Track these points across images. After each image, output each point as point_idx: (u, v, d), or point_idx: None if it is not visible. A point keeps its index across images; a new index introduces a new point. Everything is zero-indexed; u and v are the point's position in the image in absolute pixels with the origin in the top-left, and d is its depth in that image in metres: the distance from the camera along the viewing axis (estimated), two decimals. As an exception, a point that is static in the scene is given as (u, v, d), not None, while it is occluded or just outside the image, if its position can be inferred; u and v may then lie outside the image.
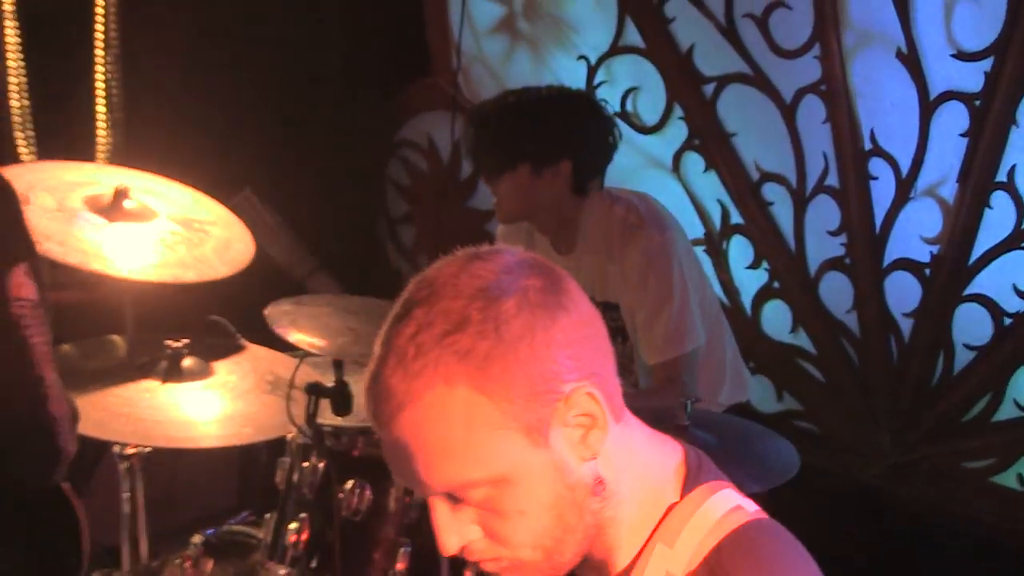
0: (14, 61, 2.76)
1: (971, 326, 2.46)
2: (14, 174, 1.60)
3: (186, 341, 1.87)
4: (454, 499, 0.89)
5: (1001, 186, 2.37)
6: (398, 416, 0.84)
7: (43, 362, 1.55)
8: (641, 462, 0.95)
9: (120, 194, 1.82)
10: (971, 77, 2.37)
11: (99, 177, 1.96)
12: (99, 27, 2.91)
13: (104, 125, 2.89)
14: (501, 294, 0.86)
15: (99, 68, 2.92)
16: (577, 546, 0.93)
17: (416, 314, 0.85)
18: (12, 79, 2.75)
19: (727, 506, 0.95)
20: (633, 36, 3.00)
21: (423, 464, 0.86)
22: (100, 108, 2.89)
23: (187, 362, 1.88)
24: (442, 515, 0.90)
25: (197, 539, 1.82)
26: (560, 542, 0.91)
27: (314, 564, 1.78)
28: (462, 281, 0.87)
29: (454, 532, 0.90)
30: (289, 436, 1.81)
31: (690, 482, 0.95)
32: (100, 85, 2.90)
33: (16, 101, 2.74)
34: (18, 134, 2.72)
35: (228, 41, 3.17)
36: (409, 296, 0.88)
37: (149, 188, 1.95)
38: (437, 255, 0.91)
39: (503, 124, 2.12)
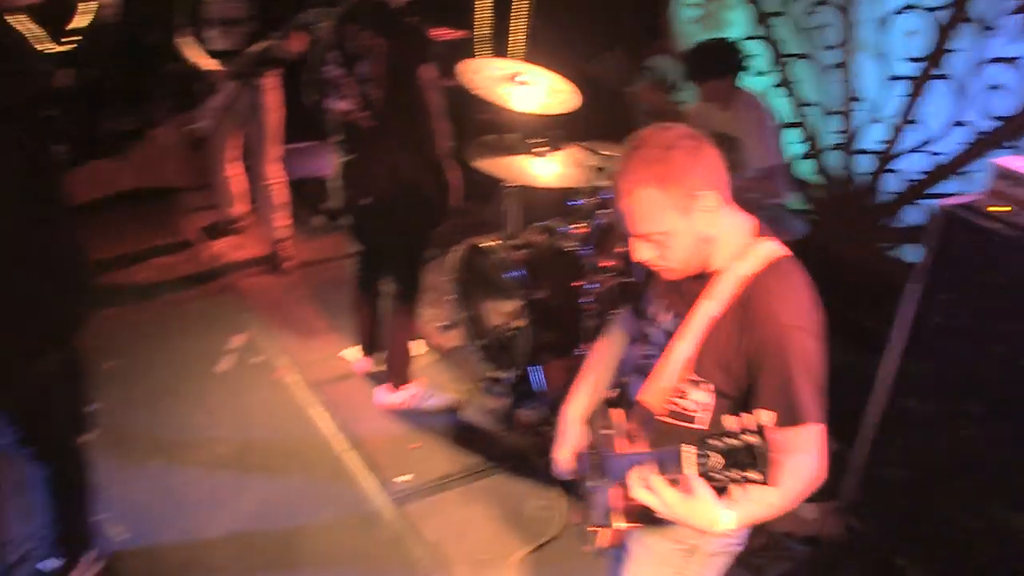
0: None
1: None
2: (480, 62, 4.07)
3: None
4: (643, 237, 1.84)
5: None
6: (622, 198, 1.80)
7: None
8: (733, 224, 1.87)
9: (513, 75, 4.24)
10: None
11: (510, 65, 4.39)
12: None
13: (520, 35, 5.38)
14: (672, 143, 1.75)
15: None
16: (698, 263, 1.86)
17: (631, 153, 1.77)
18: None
19: (774, 247, 1.85)
20: None
21: (630, 221, 1.81)
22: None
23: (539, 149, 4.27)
24: (635, 244, 1.86)
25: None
26: (689, 261, 1.85)
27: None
28: (653, 138, 1.78)
29: (642, 251, 1.86)
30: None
31: (757, 234, 1.89)
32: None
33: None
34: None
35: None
36: (630, 143, 1.79)
37: (532, 70, 4.36)
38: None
39: (710, 52, 4.14)
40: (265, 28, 4.76)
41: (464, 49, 5.51)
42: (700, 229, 1.79)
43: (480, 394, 4.22)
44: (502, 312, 4.17)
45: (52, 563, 2.97)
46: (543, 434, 3.78)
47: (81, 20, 6.12)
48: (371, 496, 3.60)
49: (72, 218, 2.62)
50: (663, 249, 1.82)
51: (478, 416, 4.11)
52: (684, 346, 1.85)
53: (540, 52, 5.10)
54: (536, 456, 3.74)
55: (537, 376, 3.98)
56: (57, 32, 5.54)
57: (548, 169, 4.05)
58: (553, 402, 3.84)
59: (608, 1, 5.52)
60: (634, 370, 2.06)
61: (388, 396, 4.13)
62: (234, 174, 5.44)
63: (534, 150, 4.10)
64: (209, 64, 4.79)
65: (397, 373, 4.11)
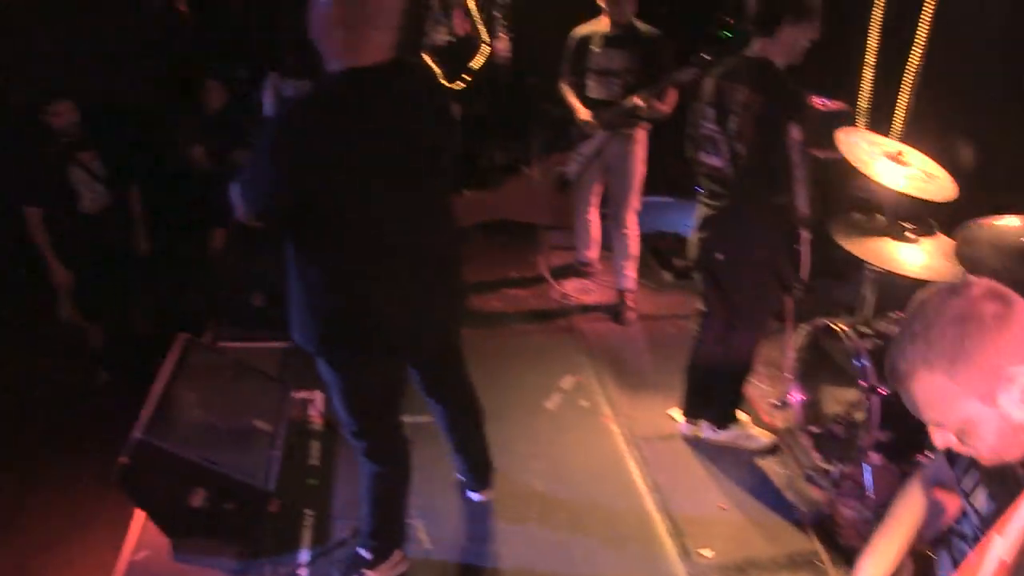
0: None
1: None
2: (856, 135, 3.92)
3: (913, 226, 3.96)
4: (936, 425, 1.49)
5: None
6: (902, 381, 1.47)
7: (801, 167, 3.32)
8: None
9: (898, 153, 4.01)
10: None
11: (890, 143, 4.16)
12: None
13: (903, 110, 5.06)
14: (967, 312, 1.38)
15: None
16: (1007, 453, 1.47)
17: (916, 329, 1.43)
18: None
19: None
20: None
21: (914, 407, 1.48)
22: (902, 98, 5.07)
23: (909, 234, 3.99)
24: (933, 431, 1.52)
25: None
26: (1000, 450, 1.47)
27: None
28: (942, 303, 1.42)
29: (938, 438, 1.51)
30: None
31: None
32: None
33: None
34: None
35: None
36: (912, 317, 1.45)
37: (910, 151, 4.09)
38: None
39: None
40: (642, 82, 4.86)
41: (841, 121, 5.29)
42: (1013, 415, 1.41)
43: (802, 482, 3.97)
44: (842, 401, 3.91)
45: (364, 552, 3.22)
46: (864, 536, 3.48)
47: (477, 61, 6.67)
48: (669, 564, 3.50)
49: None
50: (964, 437, 1.48)
51: (796, 502, 3.88)
52: (1001, 547, 1.45)
53: (920, 133, 4.78)
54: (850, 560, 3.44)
55: (868, 475, 3.68)
56: (453, 71, 6.11)
57: (915, 257, 3.75)
58: (878, 508, 3.53)
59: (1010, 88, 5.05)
60: (940, 542, 1.78)
61: (711, 433, 4.14)
62: (594, 219, 5.63)
63: (903, 234, 3.82)
64: (584, 111, 4.99)
65: (723, 411, 4.09)
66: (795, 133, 3.38)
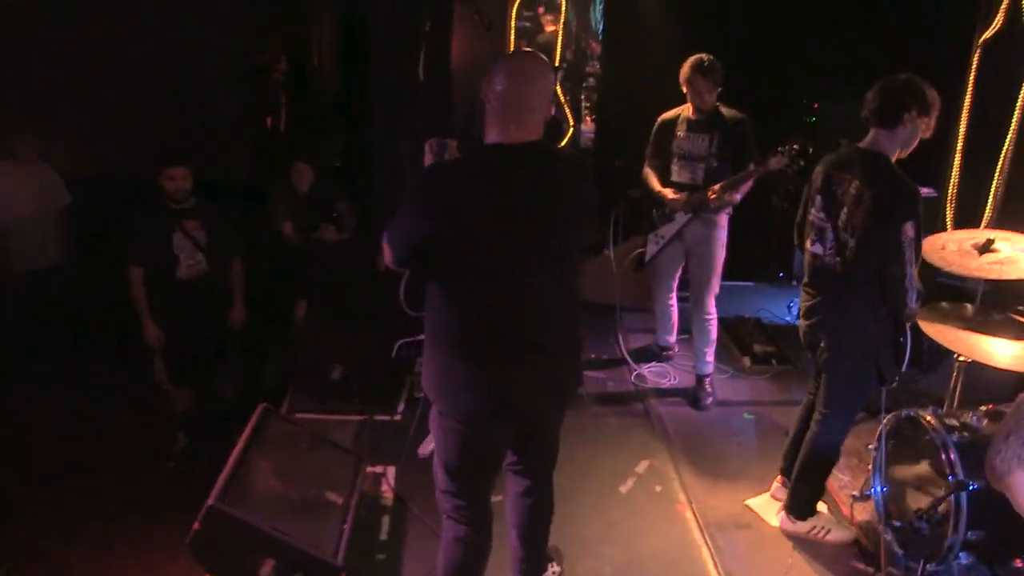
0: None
1: None
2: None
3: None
4: None
5: None
6: (998, 479, 1.64)
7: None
8: None
9: (987, 242, 3.91)
10: None
11: (981, 233, 4.07)
12: None
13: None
14: None
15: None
16: None
17: (1012, 427, 1.55)
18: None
19: None
20: None
21: (1013, 500, 1.62)
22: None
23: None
24: None
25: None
26: None
27: None
28: None
29: None
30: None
31: None
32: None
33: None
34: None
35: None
36: (1010, 415, 1.60)
37: (1002, 236, 3.99)
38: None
39: None
40: (724, 167, 4.89)
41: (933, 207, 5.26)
42: None
43: (884, 578, 3.81)
44: (927, 495, 3.75)
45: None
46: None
47: (561, 143, 6.79)
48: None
49: None
50: None
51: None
52: None
53: (1013, 217, 4.69)
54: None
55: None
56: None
57: (1008, 348, 3.63)
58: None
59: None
60: None
61: (790, 524, 4.03)
62: (674, 303, 5.59)
63: (997, 324, 3.72)
64: (670, 191, 5.00)
65: (804, 503, 3.99)
66: (909, 230, 3.32)
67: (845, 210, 3.46)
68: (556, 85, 8.07)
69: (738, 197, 4.91)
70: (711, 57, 4.81)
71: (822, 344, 3.70)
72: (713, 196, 4.83)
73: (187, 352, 4.81)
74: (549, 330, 2.87)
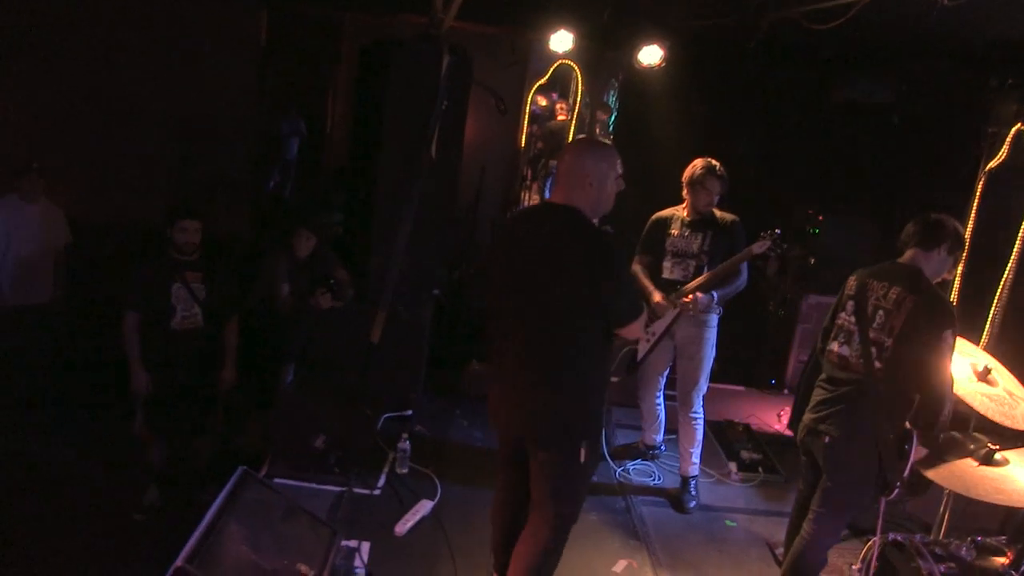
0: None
1: None
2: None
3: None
4: None
5: None
6: None
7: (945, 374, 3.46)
8: None
9: (985, 370, 3.91)
10: None
11: (978, 357, 4.08)
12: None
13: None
14: None
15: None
16: None
17: None
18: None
19: None
20: None
21: None
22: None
23: (999, 457, 3.82)
24: None
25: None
26: None
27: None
28: None
29: None
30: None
31: None
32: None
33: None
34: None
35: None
36: None
37: (999, 368, 3.99)
38: None
39: None
40: (716, 263, 4.96)
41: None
42: None
43: None
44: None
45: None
46: None
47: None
48: None
49: None
50: None
51: None
52: None
53: (1009, 347, 4.72)
54: None
55: None
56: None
57: (999, 481, 3.59)
58: None
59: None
60: None
61: None
62: (661, 401, 5.55)
63: (988, 456, 3.68)
64: (657, 293, 5.02)
65: None
66: (949, 337, 3.51)
67: (881, 313, 3.65)
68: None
69: (715, 296, 4.93)
70: (720, 163, 4.92)
71: (826, 439, 3.76)
72: (688, 299, 4.90)
73: (169, 404, 4.73)
74: (521, 372, 3.39)
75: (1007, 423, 3.75)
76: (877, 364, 3.64)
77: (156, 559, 3.17)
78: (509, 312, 3.40)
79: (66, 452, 5.13)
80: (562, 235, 3.29)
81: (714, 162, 4.96)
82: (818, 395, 3.90)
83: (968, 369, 3.97)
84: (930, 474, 3.65)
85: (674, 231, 5.09)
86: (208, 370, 4.84)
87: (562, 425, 3.39)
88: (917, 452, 3.61)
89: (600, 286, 3.23)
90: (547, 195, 8.36)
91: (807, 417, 3.92)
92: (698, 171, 4.95)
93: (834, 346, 3.86)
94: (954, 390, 3.76)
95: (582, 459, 3.43)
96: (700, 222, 5.04)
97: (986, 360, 4.01)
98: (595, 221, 3.38)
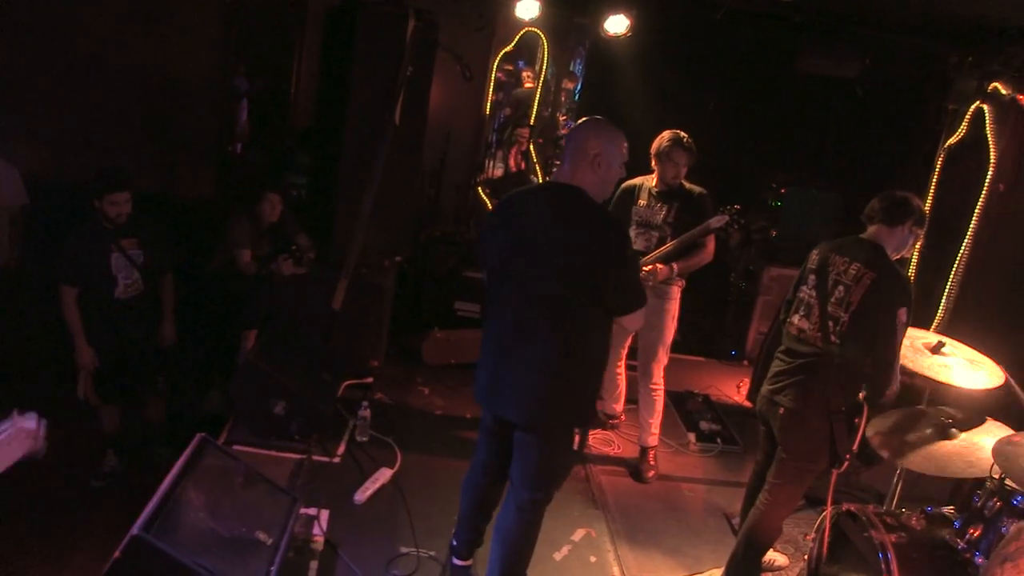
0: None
1: None
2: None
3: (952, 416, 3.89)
4: None
5: None
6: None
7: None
8: None
9: (938, 344, 3.98)
10: None
11: (928, 336, 4.14)
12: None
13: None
14: None
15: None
16: None
17: (1004, 553, 2.05)
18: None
19: None
20: None
21: None
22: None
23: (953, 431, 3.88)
24: None
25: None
26: None
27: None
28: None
29: None
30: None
31: None
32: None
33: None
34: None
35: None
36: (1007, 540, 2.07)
37: (951, 343, 4.06)
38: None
39: None
40: (680, 234, 4.95)
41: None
42: None
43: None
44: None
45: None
46: None
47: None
48: None
49: None
50: None
51: None
52: None
53: (964, 323, 4.80)
54: None
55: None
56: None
57: (951, 451, 3.66)
58: None
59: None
60: None
61: None
62: (622, 372, 5.58)
63: (942, 428, 3.75)
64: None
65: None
66: (903, 315, 3.59)
67: (840, 288, 3.71)
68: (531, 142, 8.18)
69: (660, 277, 4.93)
70: (687, 135, 4.91)
71: (781, 411, 3.83)
72: (648, 269, 4.90)
73: (120, 371, 4.68)
74: (512, 351, 3.33)
75: (974, 387, 3.81)
76: (833, 338, 3.71)
77: (111, 528, 3.14)
78: (510, 292, 3.31)
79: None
80: (571, 217, 3.22)
81: (682, 134, 4.92)
82: (776, 366, 3.96)
83: (920, 347, 4.03)
84: (885, 452, 3.70)
85: (641, 201, 5.07)
86: (153, 331, 4.80)
87: (559, 410, 3.36)
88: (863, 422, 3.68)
89: (608, 273, 3.19)
90: (510, 163, 8.33)
91: (765, 388, 3.98)
92: (665, 143, 4.92)
93: (794, 319, 3.91)
94: (908, 365, 3.84)
95: (575, 446, 3.45)
96: (667, 193, 5.01)
97: (937, 338, 4.07)
98: None
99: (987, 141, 5.50)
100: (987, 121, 5.50)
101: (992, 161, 5.45)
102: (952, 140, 5.76)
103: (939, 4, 4.74)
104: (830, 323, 3.73)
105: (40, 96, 6.29)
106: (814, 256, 3.91)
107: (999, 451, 3.31)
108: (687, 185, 5.04)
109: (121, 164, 4.81)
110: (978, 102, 5.53)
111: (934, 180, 5.83)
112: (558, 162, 8.24)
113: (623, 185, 5.13)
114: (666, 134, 4.97)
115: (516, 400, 3.37)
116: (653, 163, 5.03)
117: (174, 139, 6.73)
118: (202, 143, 6.96)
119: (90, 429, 4.75)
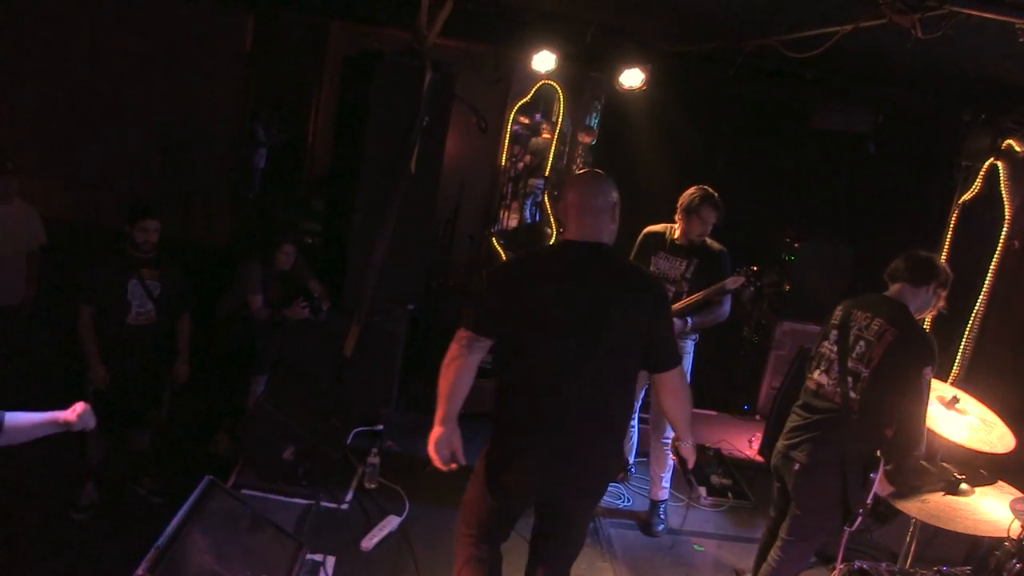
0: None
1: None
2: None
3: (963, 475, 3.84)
4: None
5: None
6: None
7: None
8: None
9: (953, 399, 3.94)
10: None
11: (944, 389, 4.10)
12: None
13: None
14: None
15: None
16: None
17: None
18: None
19: None
20: None
21: None
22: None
23: (964, 487, 3.84)
24: None
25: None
26: None
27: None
28: None
29: None
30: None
31: None
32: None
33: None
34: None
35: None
36: None
37: (966, 398, 4.02)
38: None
39: None
40: (695, 291, 4.94)
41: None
42: None
43: None
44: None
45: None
46: None
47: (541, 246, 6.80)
48: None
49: None
50: None
51: None
52: None
53: (979, 379, 4.76)
54: None
55: None
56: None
57: (965, 509, 3.61)
58: None
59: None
60: None
61: None
62: (634, 424, 5.54)
63: (957, 488, 3.69)
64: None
65: None
66: (928, 373, 3.55)
67: (862, 343, 3.69)
68: (545, 195, 8.23)
69: (689, 322, 4.90)
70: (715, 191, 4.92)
71: (796, 466, 3.79)
72: None
73: (117, 398, 4.68)
74: (580, 421, 3.12)
75: (986, 449, 3.76)
76: (852, 394, 3.67)
77: (99, 559, 3.09)
78: (551, 364, 3.10)
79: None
80: (619, 282, 3.15)
81: (711, 191, 4.90)
82: (793, 421, 3.93)
83: (934, 400, 3.99)
84: (899, 504, 3.65)
85: (661, 251, 5.05)
86: (159, 364, 4.82)
87: (610, 471, 3.32)
88: (882, 486, 3.61)
89: (659, 330, 3.18)
90: (527, 214, 8.37)
91: (780, 443, 3.95)
92: (696, 200, 4.87)
93: (815, 374, 3.90)
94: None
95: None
96: (688, 248, 4.98)
97: (953, 391, 4.03)
98: None
99: (1002, 197, 5.50)
100: (1001, 178, 5.51)
101: (1007, 217, 5.45)
102: (967, 196, 5.76)
103: (950, 63, 4.78)
104: (850, 379, 3.70)
105: (61, 138, 6.40)
106: (837, 312, 3.90)
107: (1020, 511, 3.26)
108: (708, 241, 5.01)
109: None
110: (992, 158, 5.55)
111: (948, 236, 5.82)
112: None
113: (647, 231, 5.12)
114: (695, 190, 4.93)
115: (579, 470, 3.19)
116: (678, 216, 4.98)
117: (191, 183, 6.81)
118: (219, 188, 7.04)
119: (70, 460, 4.70)
